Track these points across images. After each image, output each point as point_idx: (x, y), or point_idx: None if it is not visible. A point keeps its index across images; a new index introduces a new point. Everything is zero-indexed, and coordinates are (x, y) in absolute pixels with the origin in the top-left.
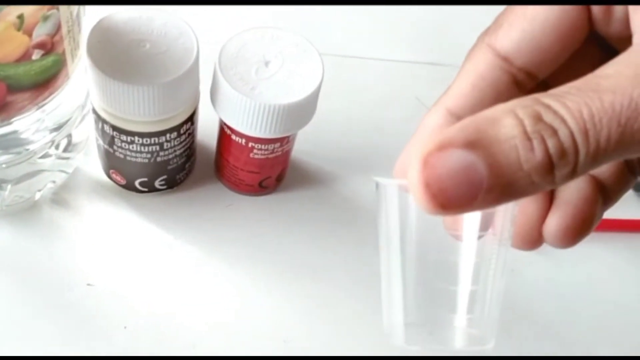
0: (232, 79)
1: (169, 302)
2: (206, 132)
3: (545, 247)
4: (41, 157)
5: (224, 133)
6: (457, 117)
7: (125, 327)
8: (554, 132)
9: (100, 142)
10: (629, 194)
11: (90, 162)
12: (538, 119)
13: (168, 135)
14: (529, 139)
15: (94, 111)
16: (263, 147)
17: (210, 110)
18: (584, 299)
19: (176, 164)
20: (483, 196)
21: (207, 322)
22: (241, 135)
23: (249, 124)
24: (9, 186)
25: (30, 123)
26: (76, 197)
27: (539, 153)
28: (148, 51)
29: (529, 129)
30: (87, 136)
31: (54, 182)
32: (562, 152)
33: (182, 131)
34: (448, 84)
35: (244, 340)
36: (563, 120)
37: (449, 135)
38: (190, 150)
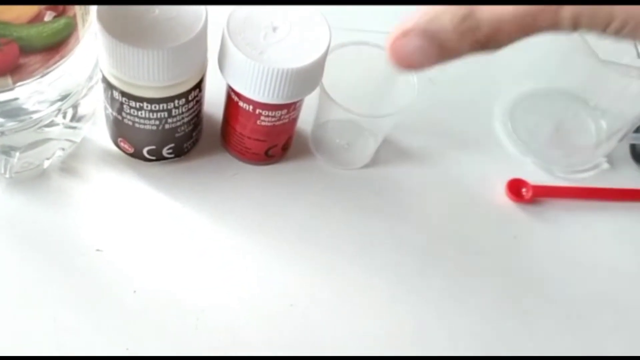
0: (240, 43)
1: (177, 268)
2: (213, 102)
3: (548, 214)
4: (47, 126)
5: (231, 100)
6: None
7: (134, 292)
8: (475, 29)
9: (109, 110)
10: (630, 165)
11: (98, 132)
12: (464, 18)
13: (176, 101)
14: (458, 32)
15: (104, 79)
16: (270, 113)
17: (217, 79)
18: (586, 266)
19: (184, 132)
20: (433, 63)
21: (214, 287)
22: (248, 102)
23: (256, 89)
24: (17, 153)
25: (34, 90)
26: (85, 165)
27: (464, 43)
28: (157, 16)
29: (458, 27)
30: (94, 108)
31: (62, 149)
32: (481, 44)
33: (190, 98)
34: None
35: (251, 305)
36: (481, 20)
37: (408, 25)
38: (197, 118)
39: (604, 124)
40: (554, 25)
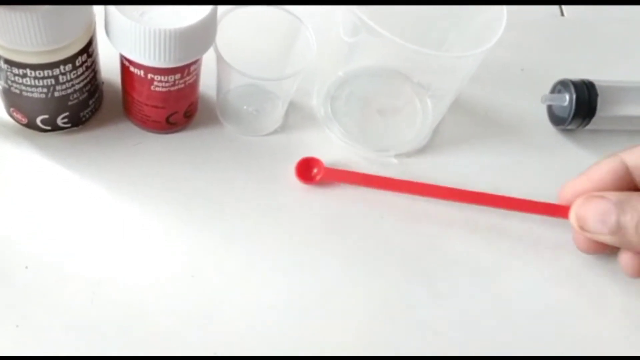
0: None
1: (73, 242)
2: (115, 69)
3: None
4: None
5: (124, 66)
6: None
7: (26, 267)
8: None
9: None
10: (548, 128)
11: None
12: None
13: (62, 67)
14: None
15: None
16: (163, 78)
17: None
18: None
19: (77, 100)
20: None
21: (111, 260)
22: (139, 67)
23: (141, 52)
24: None
25: None
26: None
27: None
28: None
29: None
30: None
31: None
32: None
33: (77, 63)
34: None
35: (151, 277)
36: None
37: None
38: (92, 85)
39: (428, 101)
40: None
